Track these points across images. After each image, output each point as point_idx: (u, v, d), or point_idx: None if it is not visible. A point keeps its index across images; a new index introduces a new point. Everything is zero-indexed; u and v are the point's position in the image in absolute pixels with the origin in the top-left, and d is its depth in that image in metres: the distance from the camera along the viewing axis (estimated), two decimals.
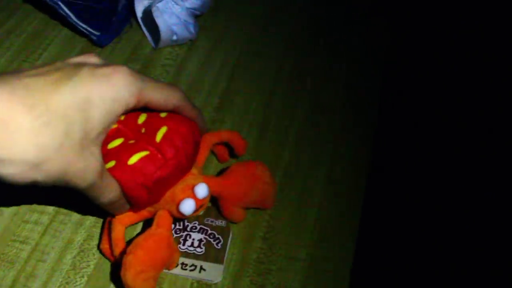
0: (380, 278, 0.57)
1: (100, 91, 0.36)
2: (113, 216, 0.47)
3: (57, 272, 0.49)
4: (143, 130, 0.44)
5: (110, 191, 0.41)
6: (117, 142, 0.43)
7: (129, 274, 0.42)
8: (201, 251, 0.51)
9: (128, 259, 0.42)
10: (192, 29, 0.70)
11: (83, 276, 0.49)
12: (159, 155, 0.42)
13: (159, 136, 0.43)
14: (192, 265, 0.50)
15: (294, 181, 0.60)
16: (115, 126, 0.43)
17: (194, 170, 0.48)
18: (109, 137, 0.42)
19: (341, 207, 0.59)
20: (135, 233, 0.52)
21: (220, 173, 0.55)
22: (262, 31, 0.78)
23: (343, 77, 0.74)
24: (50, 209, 0.53)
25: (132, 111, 0.43)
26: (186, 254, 0.51)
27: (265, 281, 0.52)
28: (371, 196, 0.60)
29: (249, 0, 0.83)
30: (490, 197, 1.09)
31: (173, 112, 0.45)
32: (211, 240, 0.52)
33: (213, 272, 0.51)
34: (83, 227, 0.52)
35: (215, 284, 0.50)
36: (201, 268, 0.50)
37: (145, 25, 0.72)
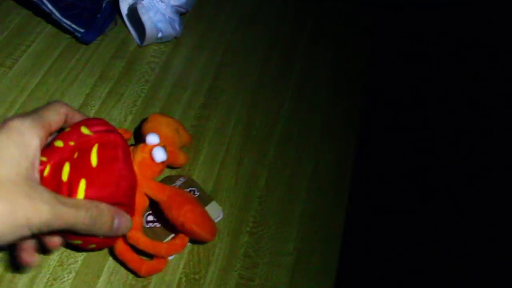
0: (366, 271, 0.58)
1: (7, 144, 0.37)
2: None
3: (45, 269, 0.49)
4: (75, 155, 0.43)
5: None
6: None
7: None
8: None
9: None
10: (177, 26, 0.71)
11: (70, 272, 0.49)
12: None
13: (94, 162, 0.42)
14: None
15: (280, 177, 0.61)
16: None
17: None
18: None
19: (327, 202, 0.60)
20: None
21: None
22: (246, 29, 0.79)
23: (328, 73, 0.75)
24: None
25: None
26: None
27: (253, 275, 0.52)
28: (356, 191, 0.62)
29: None
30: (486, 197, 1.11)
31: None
32: None
33: (213, 211, 0.53)
34: None
35: (204, 277, 0.51)
36: None
37: (130, 23, 0.72)
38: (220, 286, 0.52)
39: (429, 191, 1.05)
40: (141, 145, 0.49)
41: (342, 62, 0.77)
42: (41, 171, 0.40)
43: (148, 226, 0.52)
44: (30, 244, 0.41)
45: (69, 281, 0.49)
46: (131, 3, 0.70)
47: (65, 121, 0.43)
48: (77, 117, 0.45)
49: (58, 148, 0.42)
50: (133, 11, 0.69)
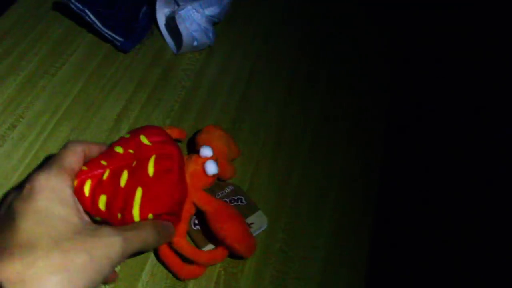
0: (396, 265, 0.60)
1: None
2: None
3: None
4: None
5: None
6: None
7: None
8: None
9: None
10: (211, 35, 0.74)
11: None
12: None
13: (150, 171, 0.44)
14: None
15: (312, 176, 0.64)
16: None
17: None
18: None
19: (356, 199, 0.63)
20: None
21: None
22: (276, 36, 0.82)
23: (356, 77, 0.78)
24: None
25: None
26: None
27: (287, 269, 0.55)
28: (385, 189, 0.64)
29: (263, 7, 0.87)
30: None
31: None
32: (234, 203, 0.57)
33: (258, 220, 0.56)
34: None
35: (241, 272, 0.53)
36: (248, 225, 0.54)
37: (166, 32, 0.76)
38: (256, 280, 0.54)
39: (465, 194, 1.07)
40: (195, 156, 0.52)
41: (369, 66, 0.80)
42: (101, 174, 0.43)
43: (195, 228, 0.55)
44: None
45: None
46: (167, 14, 0.74)
47: (85, 157, 0.44)
48: (95, 150, 0.46)
49: (118, 154, 0.45)
50: (170, 21, 0.73)
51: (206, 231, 0.52)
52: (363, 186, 0.64)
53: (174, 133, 0.56)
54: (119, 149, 0.45)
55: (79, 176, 0.42)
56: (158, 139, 0.46)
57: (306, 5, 0.90)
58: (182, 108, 0.68)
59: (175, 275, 0.51)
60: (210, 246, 0.53)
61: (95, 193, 0.42)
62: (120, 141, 0.46)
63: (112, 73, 0.71)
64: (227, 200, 0.57)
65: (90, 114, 0.66)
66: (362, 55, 0.82)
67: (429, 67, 1.13)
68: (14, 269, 0.33)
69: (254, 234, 0.55)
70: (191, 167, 0.51)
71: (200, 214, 0.52)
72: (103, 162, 0.44)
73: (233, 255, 0.51)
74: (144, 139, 0.46)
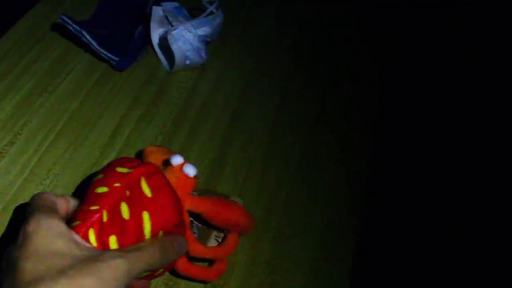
0: (379, 277, 0.62)
1: None
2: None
3: None
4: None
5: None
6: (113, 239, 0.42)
7: None
8: None
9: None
10: (203, 54, 0.76)
11: None
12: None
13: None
14: None
15: (299, 191, 0.66)
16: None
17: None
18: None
19: (342, 213, 0.64)
20: None
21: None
22: (269, 53, 0.85)
23: (345, 92, 0.80)
24: None
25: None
26: None
27: (273, 281, 0.57)
28: (371, 202, 0.65)
29: (254, 28, 0.90)
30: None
31: None
32: None
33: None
34: None
35: (227, 284, 0.55)
36: None
37: (161, 51, 0.78)
38: None
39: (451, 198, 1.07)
40: (169, 167, 0.52)
41: (360, 79, 0.82)
42: (99, 218, 0.41)
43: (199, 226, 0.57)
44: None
45: None
46: (161, 34, 0.77)
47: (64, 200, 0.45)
48: (73, 202, 0.45)
49: (105, 193, 0.43)
50: (163, 41, 0.75)
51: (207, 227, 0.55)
52: (349, 200, 0.66)
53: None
54: (103, 189, 0.43)
55: (79, 231, 0.40)
56: (134, 164, 0.46)
57: (298, 17, 0.94)
58: (174, 125, 0.71)
59: (205, 281, 0.54)
60: (212, 242, 0.56)
61: (102, 238, 0.41)
62: (98, 183, 0.44)
63: (107, 91, 0.73)
64: None
65: (86, 131, 0.68)
66: (355, 67, 0.84)
67: (420, 67, 1.14)
68: None
69: None
70: (172, 178, 0.51)
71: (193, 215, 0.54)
72: (94, 207, 0.42)
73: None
74: (121, 169, 0.45)
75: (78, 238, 0.39)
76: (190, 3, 0.81)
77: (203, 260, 0.53)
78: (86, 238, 0.40)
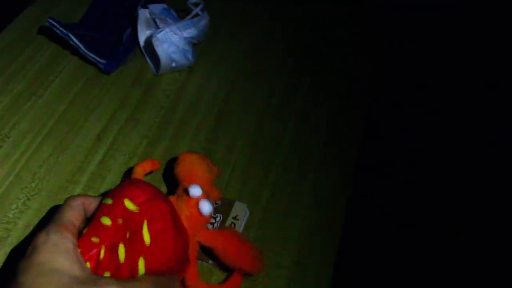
0: (360, 284, 0.62)
1: None
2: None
3: None
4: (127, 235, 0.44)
5: None
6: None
7: None
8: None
9: None
10: (190, 56, 0.77)
11: None
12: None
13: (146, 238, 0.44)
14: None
15: (281, 194, 0.66)
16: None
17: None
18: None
19: (324, 218, 0.65)
20: None
21: None
22: (255, 58, 0.85)
23: (331, 94, 0.80)
24: None
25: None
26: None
27: (253, 287, 0.57)
28: (353, 208, 0.65)
29: (243, 28, 0.90)
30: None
31: None
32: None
33: (239, 210, 0.60)
34: None
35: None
36: (234, 219, 0.59)
37: (147, 54, 0.79)
38: None
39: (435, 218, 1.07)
40: (186, 198, 0.51)
41: (346, 84, 0.82)
42: (97, 253, 0.43)
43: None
44: None
45: None
46: (147, 36, 0.77)
47: (85, 211, 0.47)
48: (94, 203, 0.47)
49: (107, 226, 0.44)
50: (149, 43, 0.76)
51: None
52: (332, 206, 0.66)
53: (147, 167, 0.57)
54: (106, 221, 0.44)
55: None
56: (143, 199, 0.45)
57: (289, 15, 0.94)
58: (160, 128, 0.71)
59: None
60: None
61: (98, 272, 0.42)
62: (104, 210, 0.45)
63: (95, 94, 0.74)
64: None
65: (72, 135, 0.69)
66: (345, 63, 0.84)
67: (417, 68, 1.13)
68: None
69: (242, 226, 0.59)
70: (185, 211, 0.50)
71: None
72: (95, 239, 0.43)
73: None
74: (129, 204, 0.45)
75: (81, 258, 0.41)
76: (177, 5, 0.81)
77: None
78: None
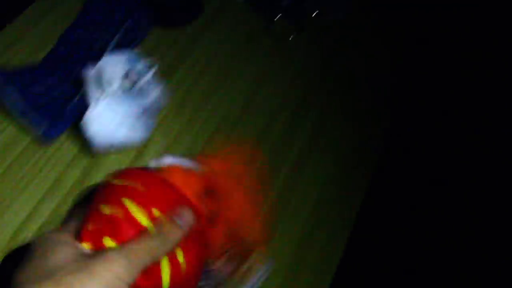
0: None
1: None
2: None
3: None
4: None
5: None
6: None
7: None
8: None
9: None
10: (140, 132, 0.62)
11: None
12: None
13: None
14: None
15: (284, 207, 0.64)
16: None
17: None
18: None
19: (328, 229, 0.65)
20: None
21: None
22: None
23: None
24: None
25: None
26: None
27: None
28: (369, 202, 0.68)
29: None
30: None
31: None
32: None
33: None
34: None
35: None
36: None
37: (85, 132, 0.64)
38: None
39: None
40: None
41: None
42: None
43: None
44: None
45: None
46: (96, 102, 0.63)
47: None
48: None
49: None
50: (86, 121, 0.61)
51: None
52: (339, 216, 0.66)
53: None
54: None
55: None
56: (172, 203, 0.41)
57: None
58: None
59: None
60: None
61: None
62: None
63: (29, 167, 0.64)
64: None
65: None
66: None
67: (428, 69, 1.06)
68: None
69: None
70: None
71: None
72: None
73: None
74: (157, 212, 0.40)
75: (79, 245, 0.38)
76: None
77: None
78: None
